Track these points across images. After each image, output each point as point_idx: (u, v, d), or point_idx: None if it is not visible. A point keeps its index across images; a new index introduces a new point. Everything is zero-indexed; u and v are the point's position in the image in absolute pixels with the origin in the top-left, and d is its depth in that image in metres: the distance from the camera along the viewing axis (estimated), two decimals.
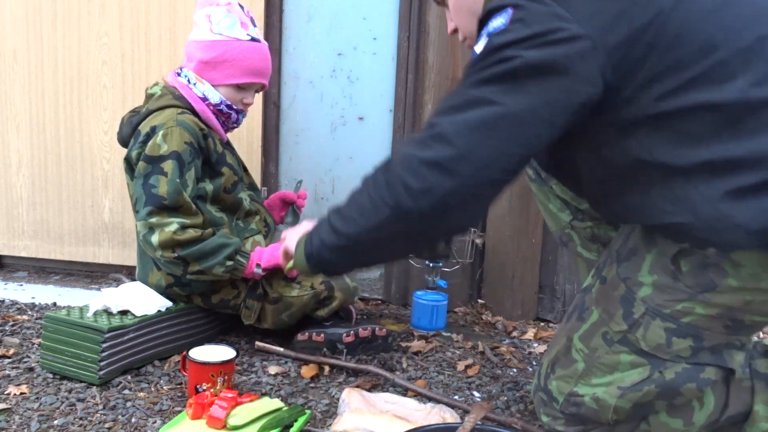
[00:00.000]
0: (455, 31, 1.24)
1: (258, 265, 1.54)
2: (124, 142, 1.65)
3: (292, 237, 1.20)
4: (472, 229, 1.98)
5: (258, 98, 1.88)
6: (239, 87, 1.63)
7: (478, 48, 0.98)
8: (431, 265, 1.91)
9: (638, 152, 0.97)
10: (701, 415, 1.09)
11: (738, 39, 0.91)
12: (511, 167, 0.96)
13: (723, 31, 0.92)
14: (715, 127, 0.92)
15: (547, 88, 0.92)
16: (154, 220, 1.47)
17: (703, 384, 1.05)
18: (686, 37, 0.91)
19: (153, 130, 1.52)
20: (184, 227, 1.48)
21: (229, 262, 1.51)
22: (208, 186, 1.60)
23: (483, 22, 1.00)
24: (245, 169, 1.84)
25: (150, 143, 1.51)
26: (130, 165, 1.57)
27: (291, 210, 1.93)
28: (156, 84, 1.66)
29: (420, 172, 0.95)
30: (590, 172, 1.08)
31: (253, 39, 1.62)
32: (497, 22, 0.96)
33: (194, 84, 1.61)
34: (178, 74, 1.64)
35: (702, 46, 0.91)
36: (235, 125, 1.72)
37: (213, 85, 1.61)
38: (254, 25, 1.65)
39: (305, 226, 1.18)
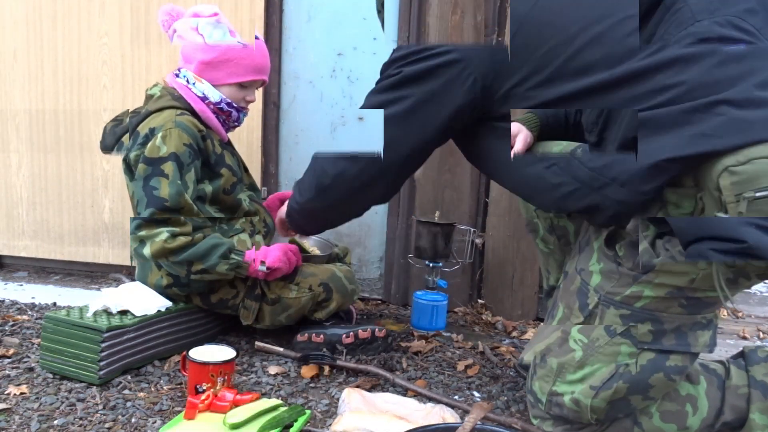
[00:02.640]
0: None
1: (263, 263, 1.54)
2: (106, 150, 1.65)
3: (284, 208, 1.56)
4: (472, 229, 1.98)
5: (258, 98, 1.87)
6: (242, 85, 1.64)
7: None
8: (431, 265, 1.91)
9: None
10: (695, 420, 1.09)
11: (592, 28, 1.00)
12: (407, 153, 1.22)
13: (576, 23, 1.01)
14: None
15: (423, 92, 1.15)
16: (143, 233, 1.47)
17: (671, 372, 1.05)
18: (543, 37, 1.03)
19: (152, 132, 1.52)
20: (174, 235, 1.47)
21: (226, 261, 1.51)
22: (207, 187, 1.60)
23: None
24: (246, 170, 1.84)
25: (149, 145, 1.50)
26: (128, 166, 1.57)
27: None
28: (156, 85, 1.65)
29: (335, 161, 1.27)
30: (495, 163, 1.24)
31: (244, 46, 1.63)
32: None
33: (193, 84, 1.61)
34: (177, 75, 1.64)
35: (558, 42, 1.01)
36: (236, 124, 1.72)
37: (215, 85, 1.62)
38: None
39: None
